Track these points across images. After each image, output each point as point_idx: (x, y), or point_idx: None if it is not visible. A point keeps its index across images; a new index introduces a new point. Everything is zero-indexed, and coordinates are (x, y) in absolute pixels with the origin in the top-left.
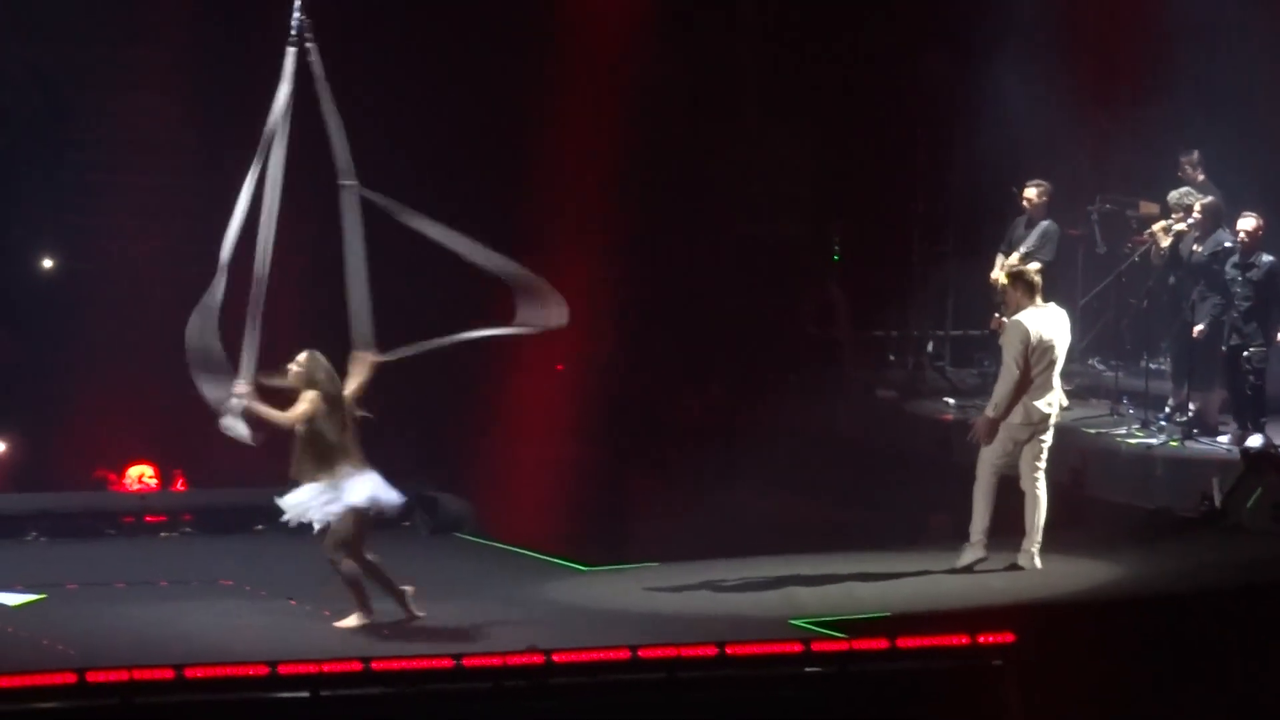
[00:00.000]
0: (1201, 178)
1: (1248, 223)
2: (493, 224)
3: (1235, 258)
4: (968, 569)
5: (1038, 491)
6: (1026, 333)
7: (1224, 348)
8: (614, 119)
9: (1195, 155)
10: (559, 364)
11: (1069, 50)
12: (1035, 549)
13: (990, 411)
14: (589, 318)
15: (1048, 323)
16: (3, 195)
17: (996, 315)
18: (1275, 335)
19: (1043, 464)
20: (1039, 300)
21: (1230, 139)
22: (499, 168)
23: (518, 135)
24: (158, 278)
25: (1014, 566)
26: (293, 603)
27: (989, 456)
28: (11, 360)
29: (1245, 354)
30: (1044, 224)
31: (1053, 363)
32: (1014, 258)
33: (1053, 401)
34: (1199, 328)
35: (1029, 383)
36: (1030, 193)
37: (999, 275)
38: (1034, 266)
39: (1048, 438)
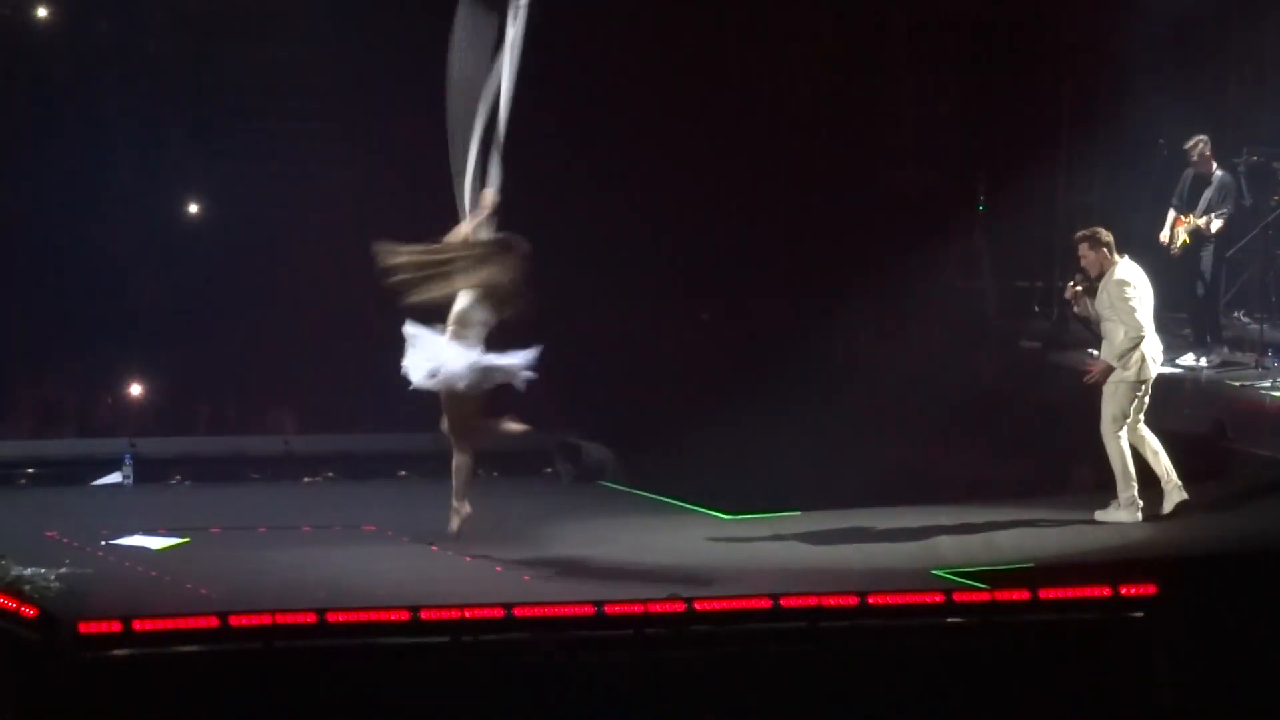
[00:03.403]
0: None
1: None
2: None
3: None
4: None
5: (1151, 437)
6: (1143, 286)
7: None
8: (763, 75)
9: None
10: (703, 313)
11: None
12: (1177, 483)
13: (1119, 367)
14: (738, 267)
15: (1144, 276)
16: (149, 145)
17: (1072, 284)
18: None
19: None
20: (1117, 255)
21: None
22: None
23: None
24: (304, 228)
25: (1159, 516)
26: (434, 548)
27: (1118, 416)
28: (159, 308)
29: None
30: (1219, 174)
31: (1151, 315)
32: (1202, 219)
33: (1159, 353)
34: None
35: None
36: (1199, 151)
37: (1181, 233)
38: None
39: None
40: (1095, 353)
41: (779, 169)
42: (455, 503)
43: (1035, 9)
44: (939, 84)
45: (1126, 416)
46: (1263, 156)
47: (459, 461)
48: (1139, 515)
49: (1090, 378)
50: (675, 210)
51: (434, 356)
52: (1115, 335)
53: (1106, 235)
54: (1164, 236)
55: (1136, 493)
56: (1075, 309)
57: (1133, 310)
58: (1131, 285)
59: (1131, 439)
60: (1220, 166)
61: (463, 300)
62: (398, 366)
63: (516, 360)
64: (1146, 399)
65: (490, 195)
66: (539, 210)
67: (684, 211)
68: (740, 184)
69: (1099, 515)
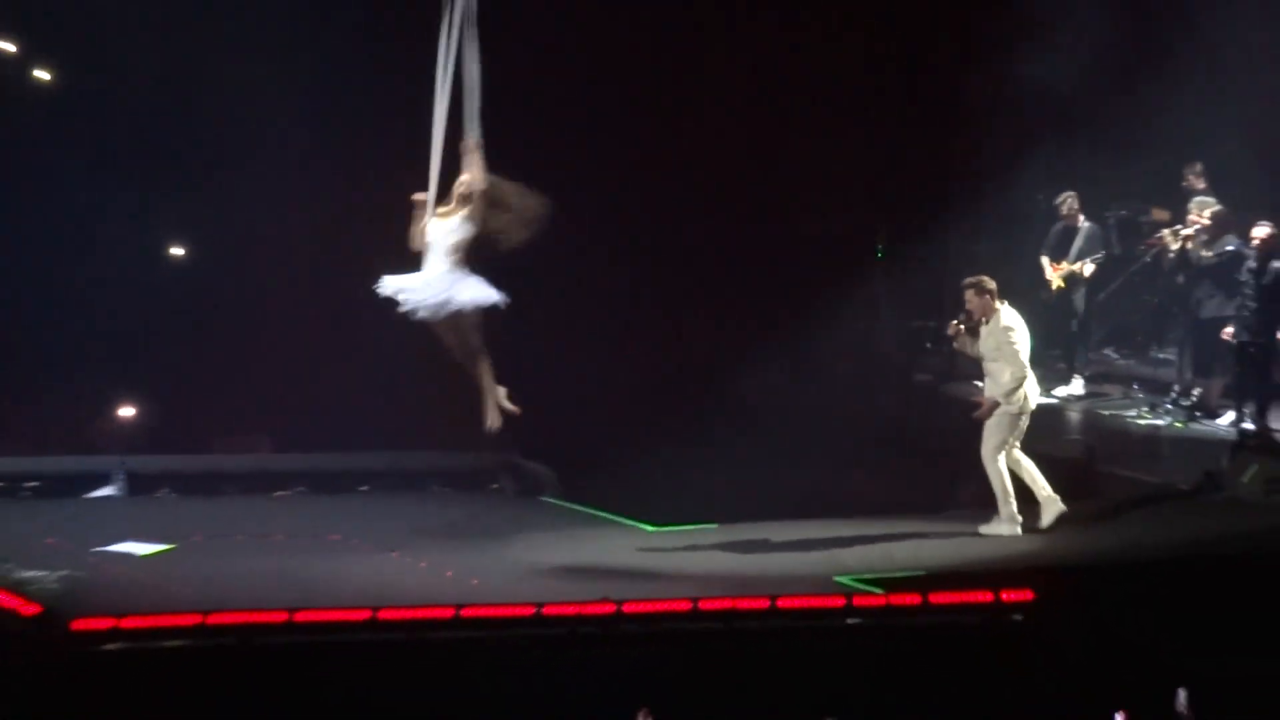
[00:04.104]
0: (1203, 186)
1: (1262, 230)
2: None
3: (1250, 262)
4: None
5: (1026, 460)
6: (1023, 330)
7: (1235, 342)
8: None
9: (1198, 166)
10: (634, 348)
11: (1089, 71)
12: (1054, 495)
13: (1005, 402)
14: (663, 306)
15: (1023, 321)
16: (137, 190)
17: (955, 322)
18: (1278, 333)
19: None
20: (999, 302)
21: (1232, 151)
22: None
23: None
24: (276, 266)
25: (1038, 529)
26: (394, 555)
27: (1000, 444)
28: (147, 336)
29: (1251, 349)
30: (1087, 225)
31: (1028, 355)
32: (1074, 265)
33: (1036, 388)
34: (1228, 330)
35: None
36: (1068, 205)
37: (1056, 278)
38: (984, 280)
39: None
40: (980, 385)
41: (704, 222)
42: (494, 399)
43: (930, 84)
44: (844, 146)
45: (1006, 444)
46: (1129, 211)
47: (482, 369)
48: (1018, 529)
49: (979, 413)
50: (607, 257)
51: (445, 288)
52: (1001, 375)
53: (990, 283)
54: (1052, 280)
55: (1015, 509)
56: (955, 344)
57: (1017, 353)
58: (1015, 330)
59: (1009, 462)
60: (1088, 219)
61: (460, 233)
62: (361, 394)
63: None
64: (1025, 427)
65: (472, 139)
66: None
67: (616, 258)
68: (669, 234)
69: (982, 529)
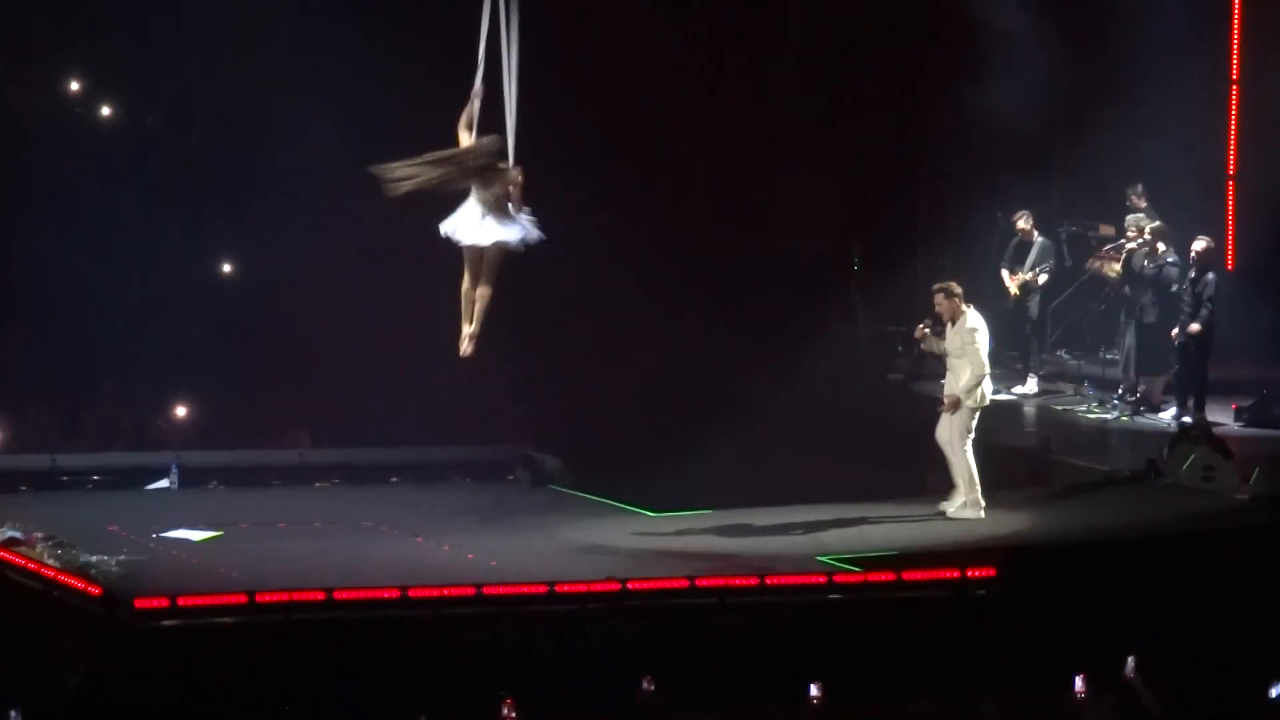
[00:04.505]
0: (1144, 204)
1: (1199, 244)
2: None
3: (1191, 271)
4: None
5: (972, 457)
6: (985, 332)
7: (1177, 343)
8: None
9: (1139, 187)
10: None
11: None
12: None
13: (966, 399)
14: (664, 314)
15: (985, 323)
16: (192, 215)
17: (922, 325)
18: (1212, 335)
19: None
20: (965, 305)
21: (1173, 173)
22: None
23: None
24: (314, 282)
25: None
26: (419, 540)
27: (964, 433)
28: (200, 345)
29: (1189, 349)
30: (1041, 240)
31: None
32: (1029, 274)
33: (991, 385)
34: (1195, 326)
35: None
36: (1023, 222)
37: (1013, 287)
38: (1023, 275)
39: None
40: (942, 383)
41: (700, 240)
42: (470, 329)
43: (899, 118)
44: (824, 169)
45: (970, 433)
46: (1079, 227)
47: (482, 293)
48: (982, 513)
49: (944, 407)
50: (612, 271)
51: (497, 226)
52: (962, 371)
53: (957, 288)
54: (1012, 290)
55: (980, 494)
56: (922, 344)
57: (979, 352)
58: (980, 331)
59: (962, 452)
60: (1041, 234)
61: (483, 193)
62: (391, 395)
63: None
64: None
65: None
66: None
67: (622, 271)
68: (669, 252)
69: (950, 513)
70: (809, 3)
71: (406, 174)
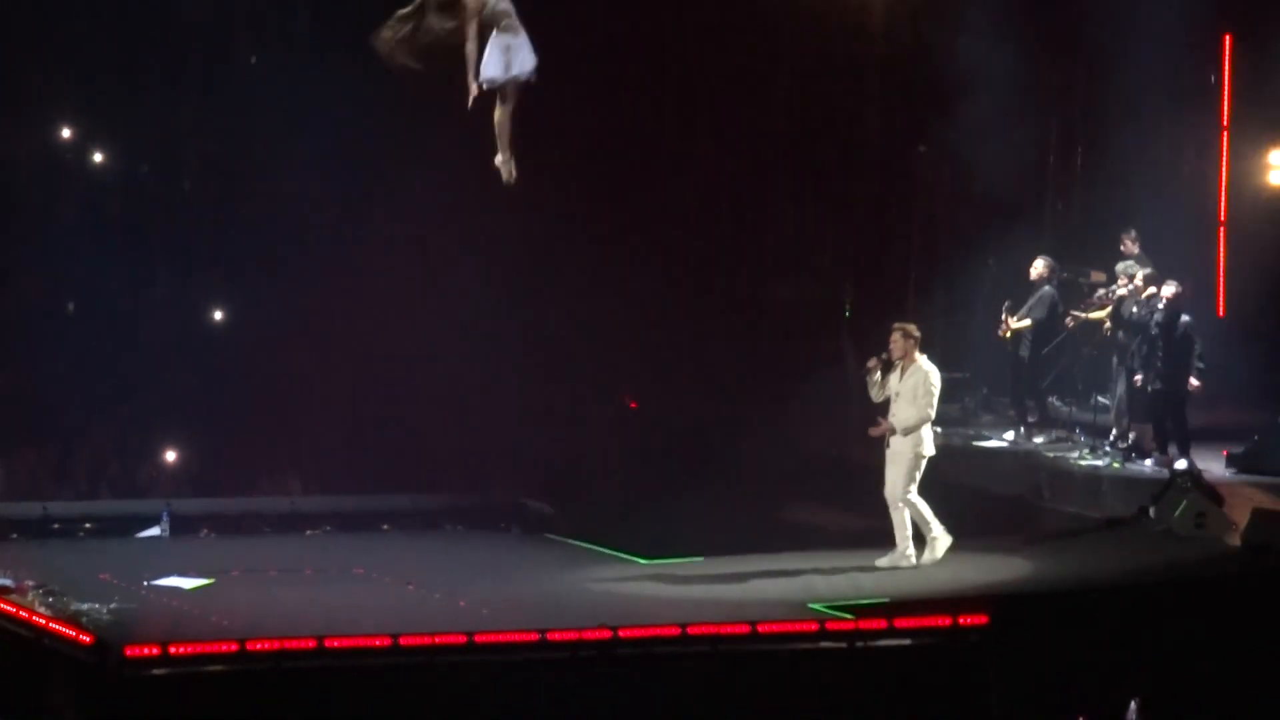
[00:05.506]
0: (1137, 250)
1: (1169, 289)
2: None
3: (1158, 316)
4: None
5: (920, 501)
6: (938, 381)
7: (1149, 390)
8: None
9: (1133, 232)
10: (633, 402)
11: (1034, 151)
12: (942, 531)
13: (902, 433)
14: (654, 365)
15: (938, 372)
16: (183, 262)
17: (874, 359)
18: (1189, 381)
19: None
20: (918, 353)
21: (1164, 218)
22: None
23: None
24: (304, 329)
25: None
26: (410, 587)
27: (910, 483)
28: (190, 391)
29: (1167, 395)
30: (1044, 289)
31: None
32: (1018, 322)
33: (930, 434)
34: (1138, 377)
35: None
36: (1039, 265)
37: (1004, 327)
38: (913, 327)
39: None
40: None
41: (696, 292)
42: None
43: (892, 173)
44: (818, 222)
45: (915, 481)
46: (1071, 274)
47: (500, 117)
48: (913, 561)
49: (876, 432)
50: (603, 318)
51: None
52: (906, 413)
53: (916, 331)
54: (1002, 331)
55: (911, 547)
56: (868, 379)
57: (932, 399)
58: (935, 380)
59: (908, 500)
60: (1046, 283)
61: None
62: (383, 443)
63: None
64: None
65: None
66: (477, 308)
67: (610, 319)
68: (665, 305)
69: (924, 560)
70: (800, 49)
71: (387, 35)
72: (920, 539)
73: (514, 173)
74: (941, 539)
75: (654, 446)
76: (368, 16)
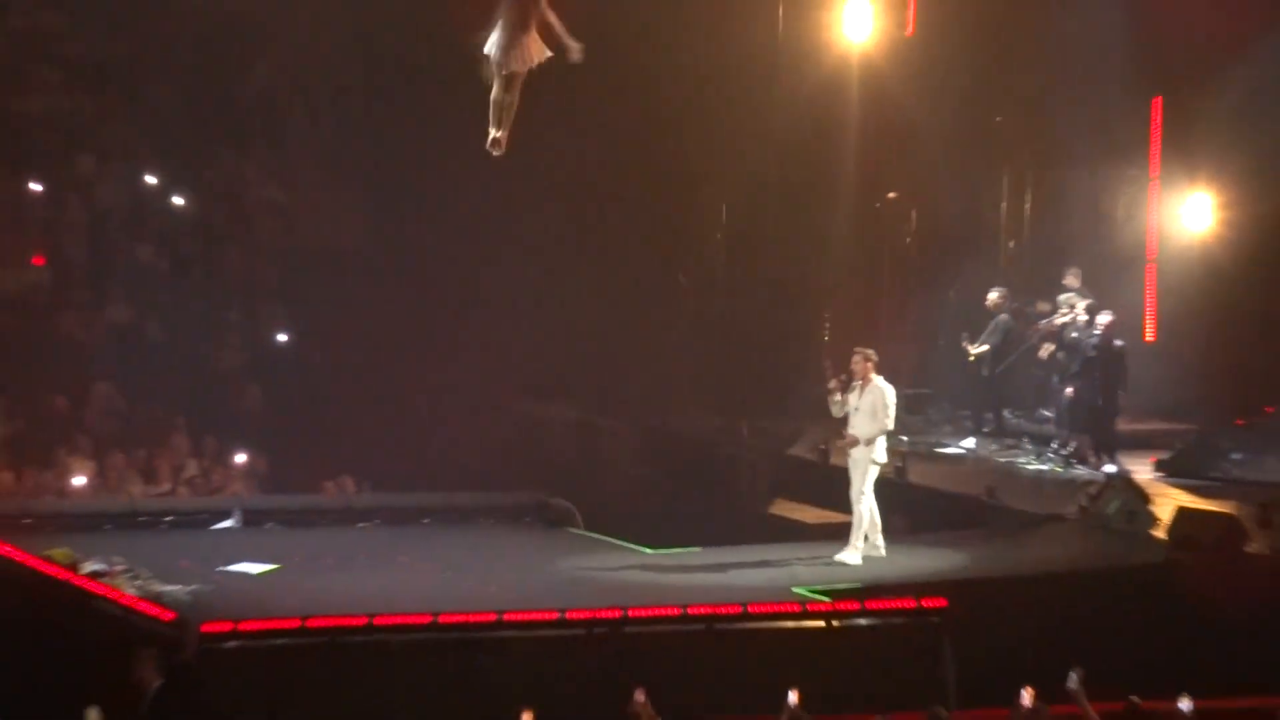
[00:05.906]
0: (1078, 285)
1: (1104, 318)
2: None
3: (1095, 340)
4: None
5: (870, 511)
6: (893, 398)
7: (1085, 404)
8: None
9: (1075, 268)
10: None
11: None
12: (859, 545)
13: (864, 442)
14: (661, 381)
15: (893, 390)
16: (251, 292)
17: (837, 379)
18: (1120, 396)
19: None
20: (875, 374)
21: (1101, 256)
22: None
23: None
24: (357, 350)
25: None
26: (447, 573)
27: (866, 486)
28: (259, 404)
29: (1100, 408)
30: (1001, 318)
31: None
32: (977, 348)
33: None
34: (1068, 391)
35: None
36: (993, 295)
37: (970, 354)
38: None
39: None
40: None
41: (692, 313)
42: (498, 133)
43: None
44: (802, 259)
45: (868, 482)
46: (1019, 304)
47: (510, 101)
48: (860, 559)
49: (844, 444)
50: (620, 344)
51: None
52: (867, 426)
53: (875, 355)
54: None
55: (862, 542)
56: (830, 396)
57: (890, 413)
58: (890, 397)
59: (865, 503)
60: (1001, 311)
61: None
62: (425, 449)
63: None
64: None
65: None
66: (489, 325)
67: (625, 343)
68: (666, 324)
69: (839, 557)
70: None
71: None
72: (863, 535)
73: (503, 147)
74: (860, 550)
75: (658, 458)
76: (408, 78)
